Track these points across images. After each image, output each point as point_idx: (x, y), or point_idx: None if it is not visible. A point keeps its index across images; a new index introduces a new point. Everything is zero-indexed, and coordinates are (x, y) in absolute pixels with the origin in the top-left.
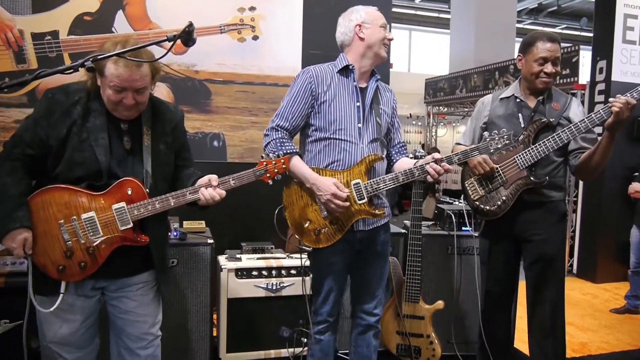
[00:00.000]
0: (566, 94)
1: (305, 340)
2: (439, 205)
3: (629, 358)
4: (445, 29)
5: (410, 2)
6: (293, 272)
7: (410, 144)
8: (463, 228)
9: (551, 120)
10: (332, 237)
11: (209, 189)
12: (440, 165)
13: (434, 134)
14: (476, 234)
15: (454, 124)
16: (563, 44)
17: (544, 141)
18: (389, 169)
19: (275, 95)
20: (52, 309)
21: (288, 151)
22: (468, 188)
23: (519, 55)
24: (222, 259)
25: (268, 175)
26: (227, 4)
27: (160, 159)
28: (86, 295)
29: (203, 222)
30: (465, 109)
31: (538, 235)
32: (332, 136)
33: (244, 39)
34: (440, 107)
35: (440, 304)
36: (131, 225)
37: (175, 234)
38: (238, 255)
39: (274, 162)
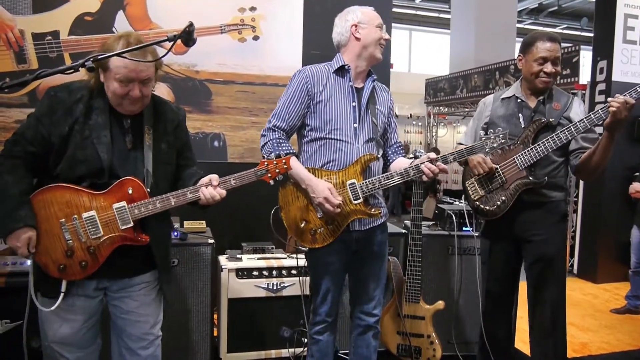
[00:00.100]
0: (568, 93)
1: (306, 340)
2: (439, 205)
3: (630, 358)
4: (445, 29)
5: (410, 2)
6: (293, 272)
7: (412, 144)
8: (464, 228)
9: (551, 120)
10: (328, 237)
11: (209, 188)
12: (435, 165)
13: (434, 134)
14: (477, 234)
15: (454, 124)
16: (563, 44)
17: (543, 141)
18: (385, 169)
19: (276, 95)
20: (52, 308)
21: (284, 151)
22: (468, 188)
23: (519, 55)
24: (222, 259)
25: (269, 175)
26: (227, 4)
27: (161, 158)
28: (89, 295)
29: (204, 222)
30: (466, 109)
31: (538, 236)
32: (327, 136)
33: (245, 39)
34: (441, 107)
35: (440, 304)
36: (132, 224)
37: (175, 234)
38: (239, 255)
39: (275, 162)
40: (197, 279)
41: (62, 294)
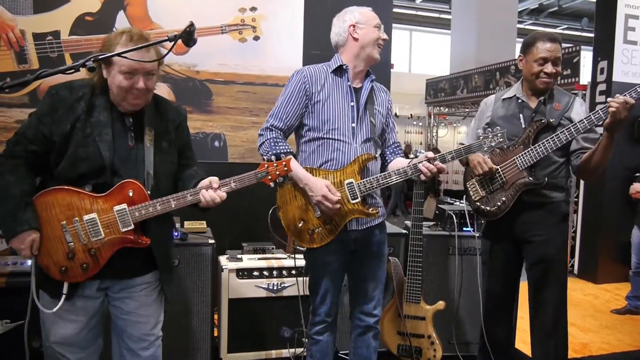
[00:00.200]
0: (570, 93)
1: (306, 340)
2: (439, 205)
3: (630, 359)
4: (446, 29)
5: (411, 2)
6: (294, 272)
7: (413, 145)
8: (464, 228)
9: (551, 120)
10: (325, 236)
11: (210, 191)
12: (433, 164)
13: (434, 134)
14: (477, 235)
15: (454, 125)
16: (564, 45)
17: (543, 142)
18: (383, 169)
19: (276, 95)
20: (54, 309)
21: (282, 151)
22: (469, 189)
23: (519, 56)
24: (223, 259)
25: (269, 177)
26: (228, 4)
27: (163, 157)
28: (90, 296)
29: (204, 222)
30: (466, 110)
31: (538, 236)
32: (325, 136)
33: (245, 39)
34: (441, 108)
35: (441, 304)
36: (132, 227)
37: (176, 234)
38: (239, 256)
39: (275, 164)
40: (197, 279)
41: (63, 296)
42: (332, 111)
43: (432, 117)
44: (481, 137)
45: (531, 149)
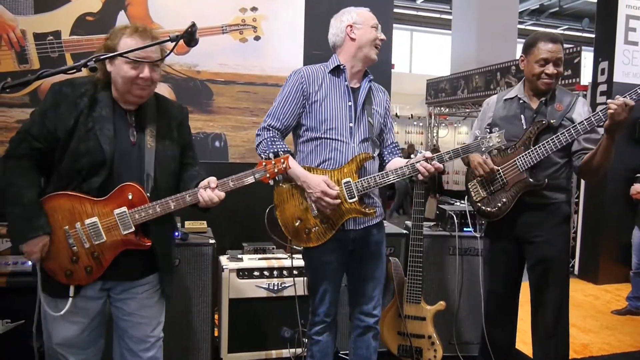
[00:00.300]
0: (572, 93)
1: (307, 340)
2: (440, 206)
3: (631, 359)
4: (446, 29)
5: (411, 2)
6: (294, 272)
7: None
8: (465, 229)
9: (552, 121)
10: (322, 236)
11: (208, 190)
12: (430, 164)
13: (435, 134)
14: (478, 235)
15: (455, 125)
16: (565, 45)
17: (544, 143)
18: (381, 169)
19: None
20: (62, 312)
21: (280, 149)
22: (471, 189)
23: (521, 56)
24: (223, 259)
25: (268, 175)
26: (229, 4)
27: (165, 155)
28: (93, 297)
29: (205, 222)
30: (467, 110)
31: (540, 237)
32: (323, 136)
33: (246, 39)
34: (442, 108)
35: (441, 304)
36: (133, 229)
37: (177, 234)
38: (239, 256)
39: (273, 162)
40: (198, 279)
41: (70, 299)
42: (329, 111)
43: (433, 117)
44: (479, 138)
45: (532, 150)
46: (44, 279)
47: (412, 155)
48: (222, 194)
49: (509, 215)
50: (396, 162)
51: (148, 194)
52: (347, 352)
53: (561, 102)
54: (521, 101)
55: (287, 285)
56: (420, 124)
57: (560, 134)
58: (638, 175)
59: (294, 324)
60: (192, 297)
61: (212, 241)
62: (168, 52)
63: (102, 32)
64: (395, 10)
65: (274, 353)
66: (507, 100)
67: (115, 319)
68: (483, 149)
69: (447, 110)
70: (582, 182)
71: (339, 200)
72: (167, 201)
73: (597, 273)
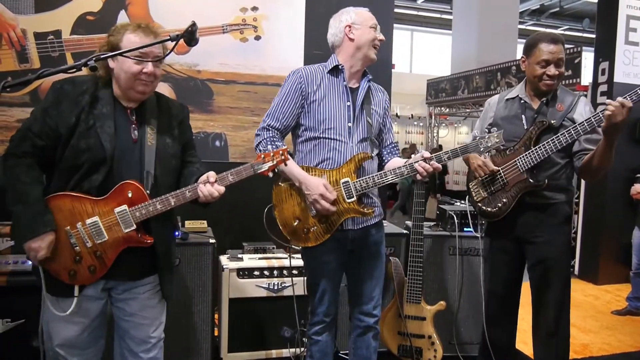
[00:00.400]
0: (574, 93)
1: (306, 340)
2: (440, 206)
3: (630, 359)
4: (447, 29)
5: (412, 2)
6: (295, 272)
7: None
8: (465, 229)
9: (552, 122)
10: (321, 235)
11: (207, 185)
12: (429, 164)
13: (435, 134)
14: (478, 235)
15: (455, 125)
16: (565, 45)
17: (544, 143)
18: (380, 169)
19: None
20: (68, 312)
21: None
22: (472, 189)
23: (522, 57)
24: (223, 259)
25: (267, 168)
26: (229, 4)
27: (166, 152)
28: (95, 297)
29: (205, 222)
30: (467, 110)
31: (540, 237)
32: (321, 135)
33: (247, 39)
34: (442, 108)
35: (442, 304)
36: (134, 227)
37: (177, 233)
38: (240, 255)
39: (272, 154)
40: (198, 279)
41: (75, 299)
42: (328, 111)
43: (433, 117)
44: (478, 138)
45: (532, 151)
46: (47, 279)
47: (413, 156)
48: (222, 189)
49: (510, 216)
50: (395, 162)
51: (148, 192)
52: (347, 352)
53: (563, 102)
54: (522, 101)
55: (287, 285)
56: (421, 124)
57: (561, 135)
58: (638, 175)
59: (294, 324)
60: (192, 296)
61: (212, 241)
62: (168, 51)
63: (103, 32)
64: (396, 10)
65: (274, 353)
66: (508, 100)
67: (117, 320)
68: (482, 149)
69: (447, 110)
70: (583, 182)
71: (334, 208)
72: (167, 197)
73: (597, 273)
